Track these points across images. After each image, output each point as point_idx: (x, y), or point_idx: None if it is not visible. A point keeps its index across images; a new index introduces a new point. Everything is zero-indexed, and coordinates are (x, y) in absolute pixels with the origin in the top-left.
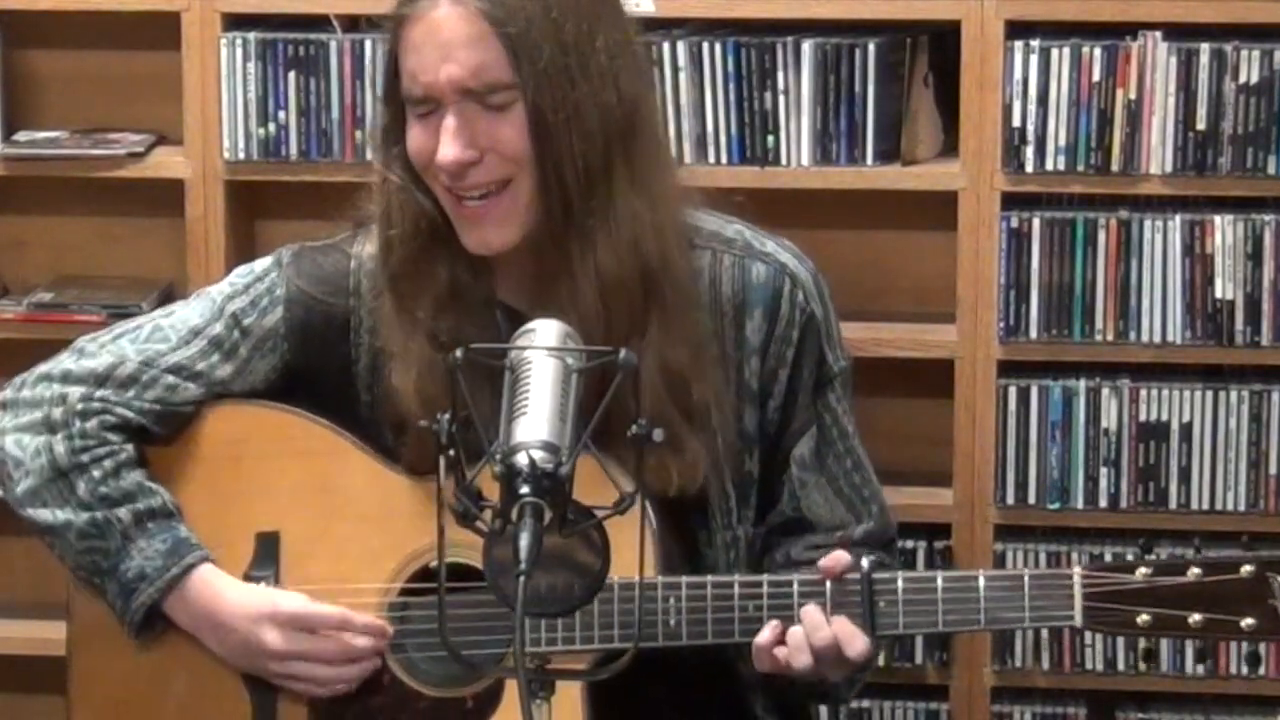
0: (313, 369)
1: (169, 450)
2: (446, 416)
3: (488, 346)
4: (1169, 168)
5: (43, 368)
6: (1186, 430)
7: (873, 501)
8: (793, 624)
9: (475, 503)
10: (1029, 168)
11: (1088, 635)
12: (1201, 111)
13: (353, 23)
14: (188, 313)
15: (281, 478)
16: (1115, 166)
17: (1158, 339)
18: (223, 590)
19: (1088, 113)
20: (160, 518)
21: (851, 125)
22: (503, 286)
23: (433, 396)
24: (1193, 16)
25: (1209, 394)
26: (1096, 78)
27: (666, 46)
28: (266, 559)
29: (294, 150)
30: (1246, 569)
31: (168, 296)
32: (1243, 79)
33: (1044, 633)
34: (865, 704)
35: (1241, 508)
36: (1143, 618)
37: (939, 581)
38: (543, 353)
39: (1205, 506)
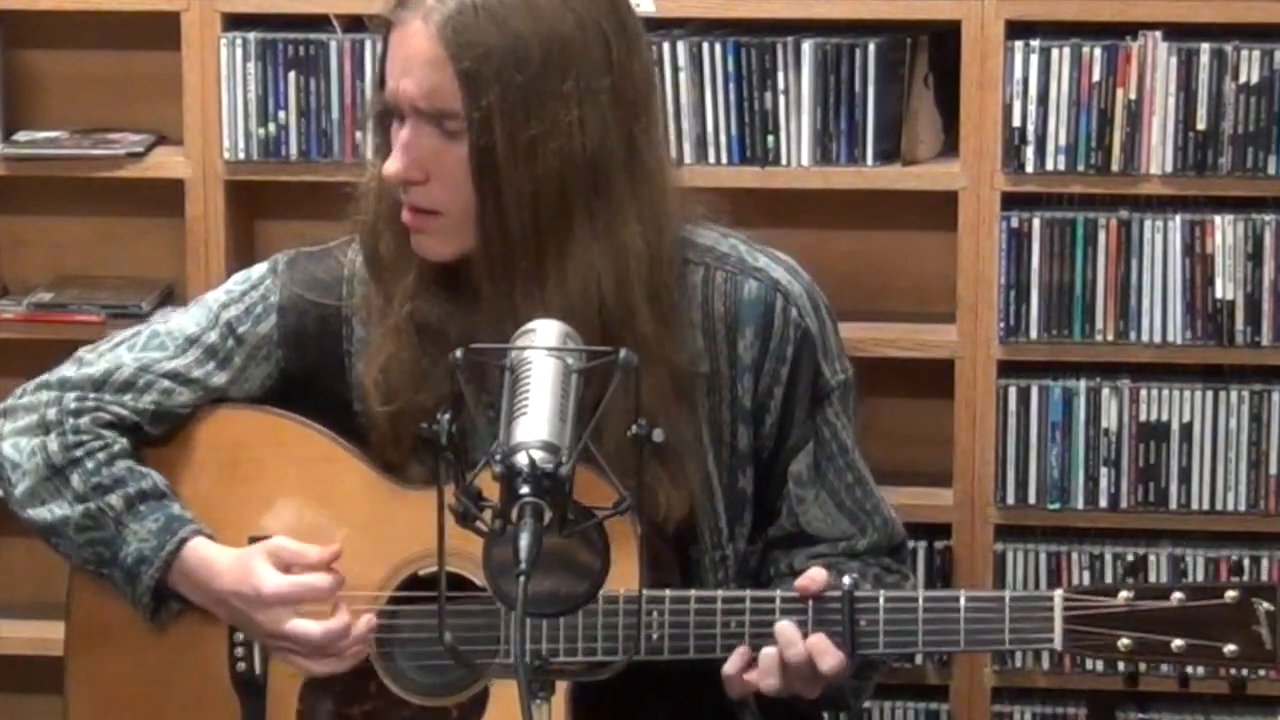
0: (308, 376)
1: (165, 452)
2: (446, 416)
3: (488, 347)
4: (1169, 168)
5: (42, 377)
6: (1187, 430)
7: (875, 514)
8: (765, 645)
9: (475, 503)
10: (1029, 168)
11: None
12: (1202, 111)
13: (353, 23)
14: (184, 321)
15: (276, 482)
16: (1115, 166)
17: (1158, 339)
18: (215, 564)
19: (1088, 113)
20: (151, 498)
21: (851, 125)
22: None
23: (396, 383)
24: (1193, 16)
25: (1209, 394)
26: (1096, 78)
27: (666, 46)
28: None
29: (294, 150)
30: (1230, 594)
31: (167, 296)
32: (1243, 79)
33: None
34: (865, 704)
35: (1242, 508)
36: (1124, 642)
37: (920, 601)
38: (543, 353)
39: (1205, 507)
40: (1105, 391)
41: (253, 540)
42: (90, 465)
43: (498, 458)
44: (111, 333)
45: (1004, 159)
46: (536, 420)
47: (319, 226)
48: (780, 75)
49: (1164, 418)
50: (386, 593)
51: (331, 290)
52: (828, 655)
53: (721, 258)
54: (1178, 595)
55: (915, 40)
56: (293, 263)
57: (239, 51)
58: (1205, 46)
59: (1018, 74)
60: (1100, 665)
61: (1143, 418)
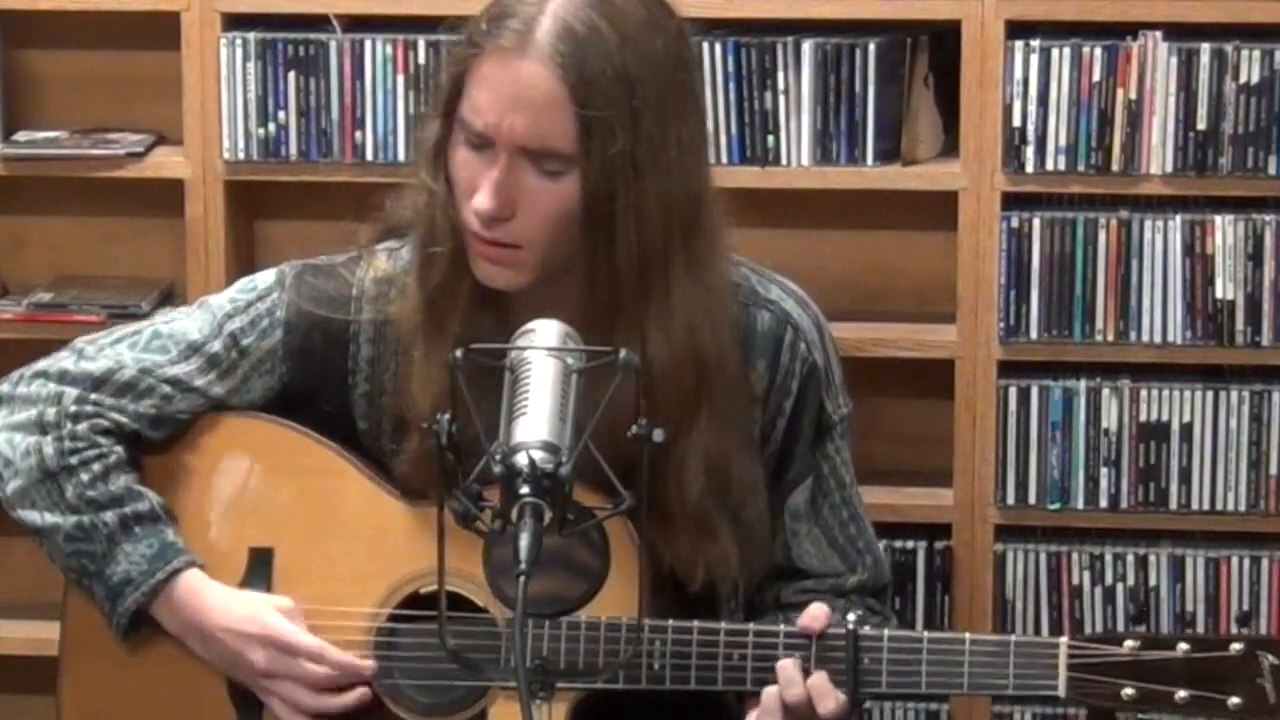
0: (310, 391)
1: (165, 459)
2: (446, 417)
3: (488, 347)
4: (1169, 168)
5: (40, 364)
6: (1187, 430)
7: (867, 553)
8: (766, 678)
9: (475, 503)
10: (1029, 168)
11: (1088, 633)
12: (1202, 111)
13: (353, 22)
14: (188, 325)
15: (278, 494)
16: (1116, 166)
17: (1158, 339)
18: (209, 598)
19: (1088, 113)
20: (147, 522)
21: (852, 125)
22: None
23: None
24: (1193, 16)
25: (1209, 394)
26: (1097, 78)
27: None
28: (258, 575)
29: (294, 150)
30: (1235, 647)
31: (167, 296)
32: (1243, 79)
33: (1045, 633)
34: (865, 704)
35: (1242, 508)
36: (1127, 691)
37: (924, 642)
38: (543, 353)
39: (1206, 507)
40: (1105, 392)
41: (253, 551)
42: (85, 477)
43: (498, 458)
44: (115, 326)
45: (1004, 159)
46: (536, 420)
47: (319, 226)
48: (780, 75)
49: (1164, 418)
50: (386, 610)
51: (339, 308)
52: (828, 698)
53: (733, 288)
54: (1183, 646)
55: (915, 40)
56: (300, 277)
57: (239, 51)
58: (1205, 46)
59: (1018, 74)
60: None
61: (1143, 418)
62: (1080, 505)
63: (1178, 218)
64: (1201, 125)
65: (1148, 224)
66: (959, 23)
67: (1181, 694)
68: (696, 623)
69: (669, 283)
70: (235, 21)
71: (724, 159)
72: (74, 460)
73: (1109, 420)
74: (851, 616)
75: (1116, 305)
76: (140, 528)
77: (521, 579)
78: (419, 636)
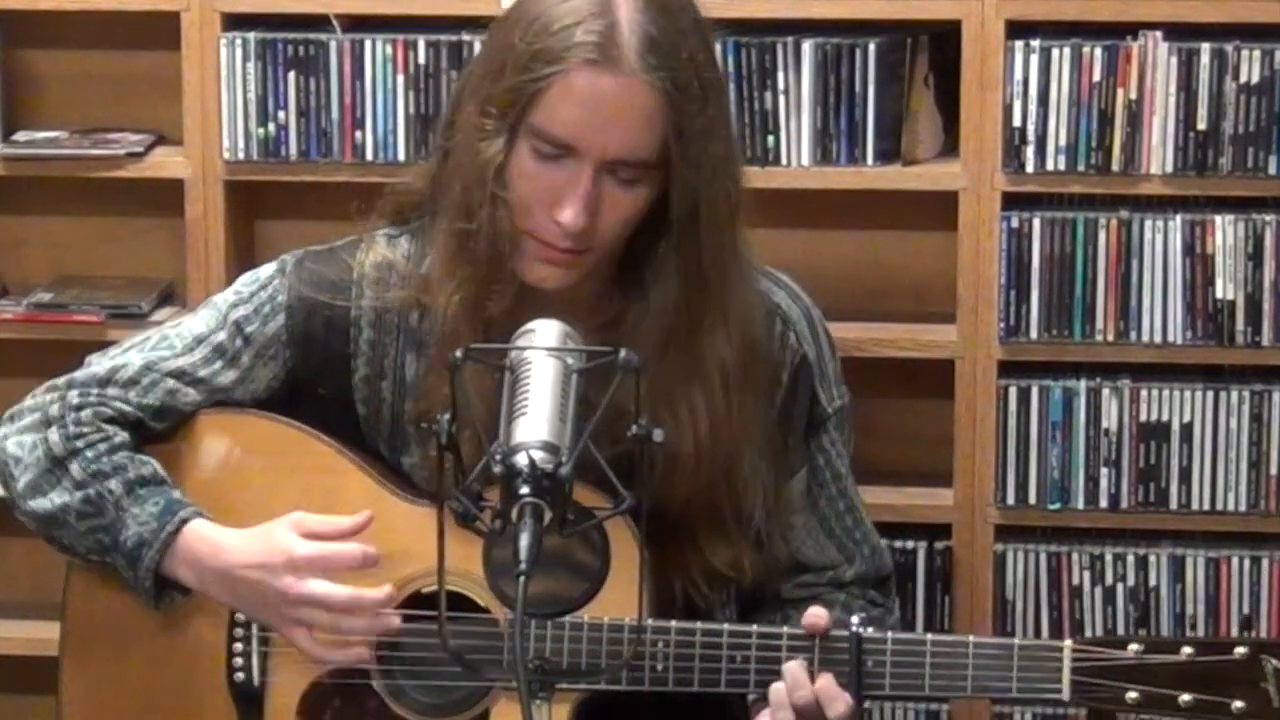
0: (314, 377)
1: (169, 457)
2: (446, 417)
3: (488, 347)
4: (1169, 168)
5: (51, 381)
6: (1187, 430)
7: (864, 543)
8: (771, 681)
9: (475, 503)
10: (1029, 168)
11: (1088, 633)
12: (1202, 111)
13: (353, 22)
14: (193, 322)
15: (280, 492)
16: (1116, 166)
17: (1158, 339)
18: (223, 540)
19: (1088, 113)
20: (151, 484)
21: (852, 125)
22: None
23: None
24: (1193, 16)
25: (1209, 394)
26: (1097, 78)
27: None
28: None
29: (294, 150)
30: (1240, 650)
31: (167, 296)
32: (1243, 79)
33: (1045, 633)
34: (865, 704)
35: (1242, 508)
36: (1131, 695)
37: (928, 644)
38: (543, 353)
39: (1206, 507)
40: (1105, 392)
41: None
42: (90, 455)
43: (498, 458)
44: (110, 335)
45: (1004, 159)
46: (536, 420)
47: (319, 226)
48: (780, 75)
49: (1164, 418)
50: (390, 609)
51: (340, 292)
52: (837, 702)
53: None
54: (1187, 650)
55: (915, 40)
56: (300, 263)
57: (239, 51)
58: (1206, 46)
59: (1018, 74)
60: None
61: (1143, 418)
62: (1080, 505)
63: (1178, 218)
64: (1202, 125)
65: (1148, 224)
66: (959, 23)
67: (1185, 698)
68: (700, 624)
69: (729, 275)
70: (235, 21)
71: None
72: (79, 443)
73: (1109, 420)
74: (855, 619)
75: (1116, 305)
76: (145, 489)
77: (521, 579)
78: (421, 636)
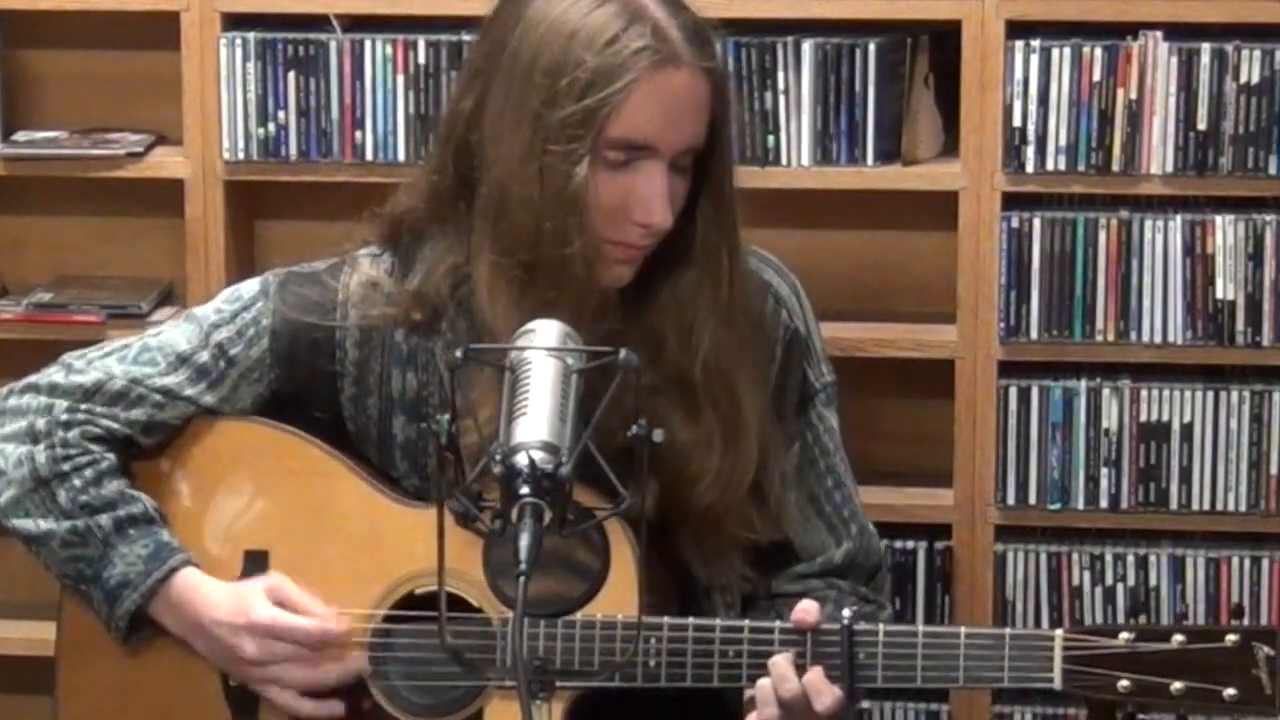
0: (300, 397)
1: (160, 464)
2: (445, 417)
3: (488, 347)
4: (1170, 168)
5: (29, 379)
6: (1187, 431)
7: (852, 521)
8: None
9: (475, 504)
10: (1029, 168)
11: None
12: (1202, 111)
13: (353, 22)
14: (175, 336)
15: (273, 497)
16: (1116, 166)
17: (1158, 339)
18: (206, 594)
19: (1088, 113)
20: (142, 523)
21: (852, 125)
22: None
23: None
24: (1194, 16)
25: (1210, 394)
26: (1097, 77)
27: None
28: (254, 578)
29: (293, 150)
30: (1231, 638)
31: (167, 296)
32: (1244, 79)
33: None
34: (866, 704)
35: (1242, 508)
36: (1123, 684)
37: (920, 636)
38: (543, 353)
39: (1206, 507)
40: (1106, 392)
41: (248, 554)
42: (78, 483)
43: (497, 458)
44: (110, 335)
45: (1004, 159)
46: (536, 420)
47: (319, 227)
48: (780, 75)
49: (1164, 418)
50: (382, 611)
51: (326, 314)
52: (825, 694)
53: None
54: (1178, 638)
55: (915, 40)
56: (284, 285)
57: (238, 51)
58: (1206, 46)
59: (1018, 74)
60: None
61: (1143, 418)
62: (1080, 505)
63: (1178, 218)
64: (1202, 125)
65: (1148, 224)
66: (959, 23)
67: (1177, 685)
68: (692, 620)
69: (735, 252)
70: (235, 21)
71: None
72: (66, 466)
73: (1109, 420)
74: (846, 612)
75: (1117, 305)
76: (135, 529)
77: (521, 579)
78: (415, 637)
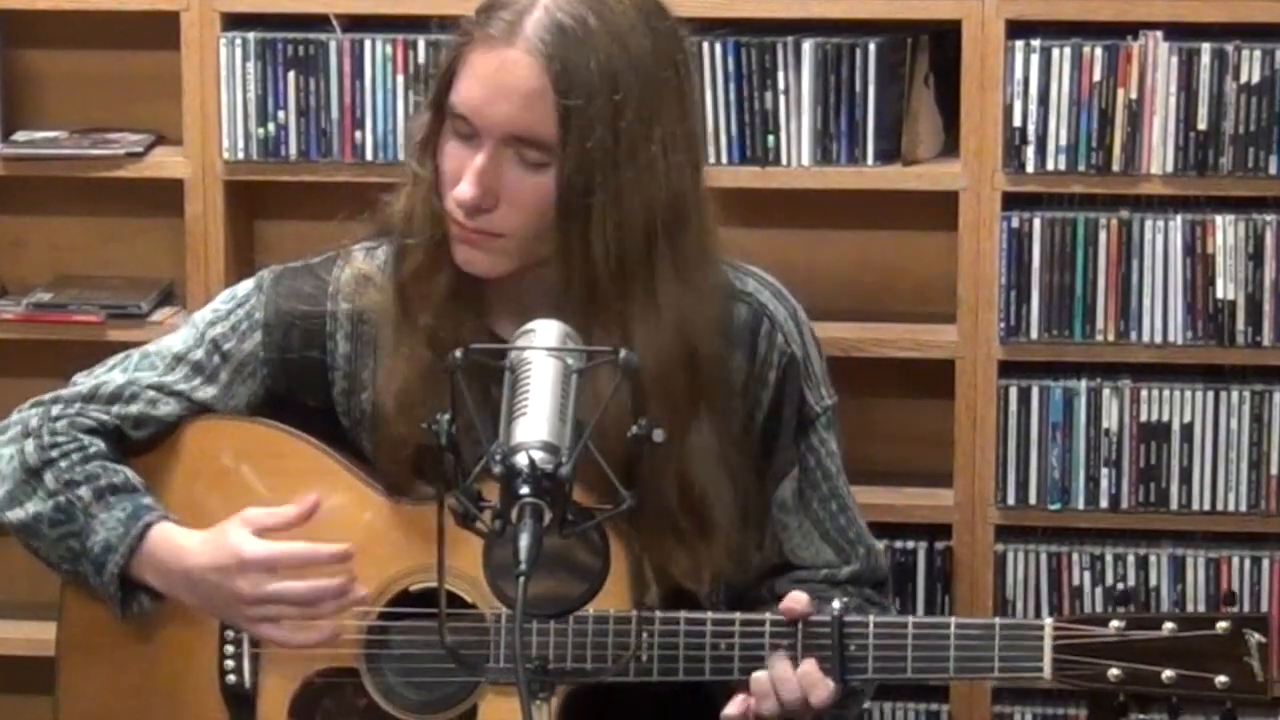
0: (293, 391)
1: (154, 460)
2: (445, 417)
3: (488, 347)
4: (1170, 168)
5: (37, 398)
6: (1187, 431)
7: (859, 543)
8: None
9: (475, 504)
10: (1030, 168)
11: None
12: (1202, 111)
13: (353, 22)
14: (172, 340)
15: (267, 494)
16: (1116, 166)
17: (1159, 339)
18: (185, 544)
19: (1088, 112)
20: (122, 491)
21: (852, 125)
22: (496, 318)
23: (413, 403)
24: (1194, 16)
25: (1210, 394)
26: (1097, 77)
27: None
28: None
29: (293, 150)
30: (1222, 625)
31: (167, 296)
32: (1244, 79)
33: None
34: (866, 704)
35: (1243, 508)
36: (1114, 672)
37: (910, 627)
38: (542, 353)
39: (1206, 507)
40: (1106, 392)
41: None
42: (64, 464)
43: (497, 458)
44: (110, 335)
45: (1004, 159)
46: (536, 420)
47: (318, 227)
48: (780, 75)
49: (1165, 418)
50: (378, 608)
51: (316, 305)
52: (819, 687)
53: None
54: (1169, 625)
55: (915, 40)
56: (278, 279)
57: (238, 51)
58: (1206, 46)
59: (1018, 74)
60: None
61: (1143, 418)
62: (1081, 505)
63: (1178, 218)
64: (1202, 125)
65: (1148, 224)
66: (959, 22)
67: (1168, 673)
68: (683, 613)
69: (655, 281)
70: (235, 21)
71: (724, 159)
72: (54, 453)
73: (1109, 420)
74: (836, 604)
75: (1117, 305)
76: (114, 497)
77: (521, 579)
78: (409, 634)
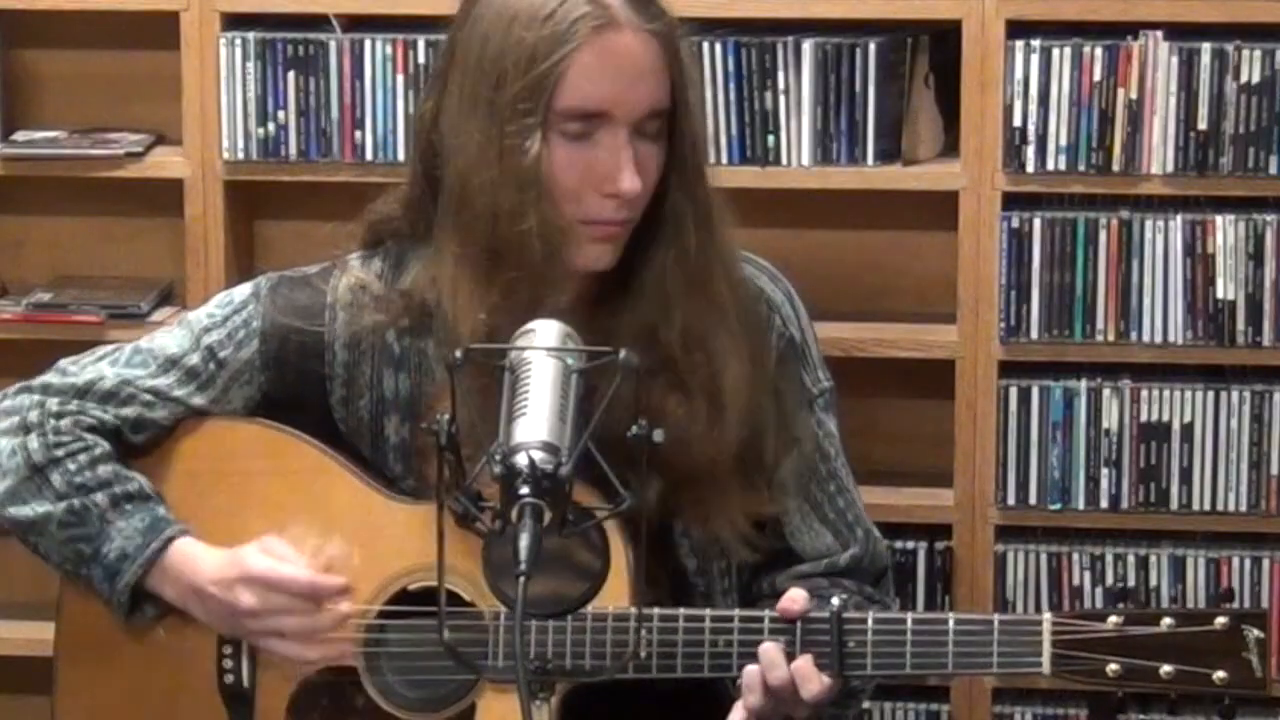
0: (290, 399)
1: (153, 461)
2: (445, 417)
3: (488, 347)
4: (1170, 168)
5: (23, 383)
6: (1188, 431)
7: (858, 525)
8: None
9: (475, 504)
10: (1030, 168)
11: None
12: (1203, 111)
13: (353, 22)
14: (167, 340)
15: (268, 495)
16: (1116, 166)
17: (1159, 339)
18: (201, 559)
19: (1089, 112)
20: (138, 499)
21: (852, 125)
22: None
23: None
24: (1194, 16)
25: (1210, 394)
26: (1097, 77)
27: None
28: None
29: (293, 150)
30: (1220, 621)
31: (167, 296)
32: (1244, 79)
33: None
34: (866, 704)
35: (1243, 508)
36: (1112, 667)
37: (909, 623)
38: (542, 353)
39: (1206, 507)
40: (1106, 392)
41: None
42: (72, 466)
43: (497, 458)
44: (110, 334)
45: (1004, 159)
46: (536, 421)
47: (318, 226)
48: (780, 75)
49: (1165, 418)
50: (376, 606)
51: (314, 317)
52: (811, 681)
53: None
54: (1168, 621)
55: (915, 40)
56: (275, 289)
57: (238, 51)
58: (1206, 46)
59: (1018, 74)
60: None
61: (1144, 418)
62: (1081, 506)
63: (1178, 218)
64: (1202, 125)
65: (1148, 224)
66: (959, 22)
67: (1167, 669)
68: (683, 610)
69: (724, 223)
70: (235, 21)
71: (724, 159)
72: (60, 452)
73: (1110, 420)
74: (836, 600)
75: (1117, 305)
76: (131, 505)
77: (521, 580)
78: (408, 632)
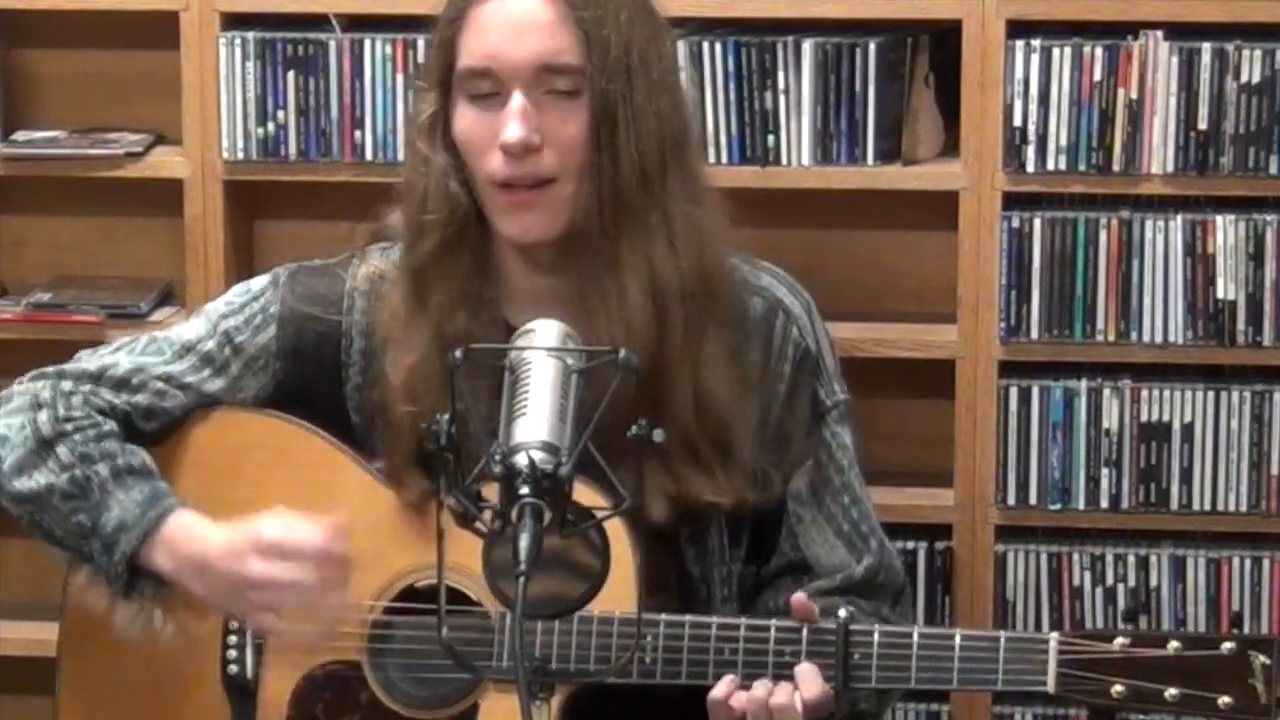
0: (305, 389)
1: (163, 451)
2: (445, 417)
3: (488, 347)
4: (1170, 167)
5: (38, 370)
6: (1188, 431)
7: (871, 537)
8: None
9: (475, 504)
10: (1030, 167)
11: None
12: (1203, 111)
13: (353, 22)
14: (184, 329)
15: (277, 488)
16: (1116, 166)
17: (1159, 339)
18: (204, 533)
19: (1089, 112)
20: (140, 473)
21: (852, 125)
22: (509, 305)
23: (421, 391)
24: (1194, 16)
25: (1210, 394)
26: (1098, 77)
27: None
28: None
29: (293, 150)
30: (1227, 646)
31: (166, 296)
32: (1244, 78)
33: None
34: (865, 705)
35: (1243, 508)
36: (1117, 689)
37: (915, 637)
38: (543, 353)
39: (1207, 507)
40: (1106, 392)
41: None
42: (79, 439)
43: (497, 458)
44: (110, 334)
45: (1005, 159)
46: (536, 421)
47: (318, 226)
48: (780, 75)
49: (1165, 418)
50: (382, 602)
51: (332, 305)
52: (810, 682)
53: (732, 269)
54: (1174, 644)
55: (915, 40)
56: (294, 276)
57: (238, 51)
58: (1207, 46)
59: (1018, 73)
60: None
61: (1144, 418)
62: (1081, 506)
63: (1179, 217)
64: (1203, 125)
65: (1149, 224)
66: (959, 22)
67: (1172, 692)
68: (689, 617)
69: (668, 196)
70: (234, 21)
71: (724, 159)
72: (68, 426)
73: (1110, 420)
74: (843, 611)
75: (1117, 305)
76: (132, 478)
77: (521, 580)
78: (413, 630)
